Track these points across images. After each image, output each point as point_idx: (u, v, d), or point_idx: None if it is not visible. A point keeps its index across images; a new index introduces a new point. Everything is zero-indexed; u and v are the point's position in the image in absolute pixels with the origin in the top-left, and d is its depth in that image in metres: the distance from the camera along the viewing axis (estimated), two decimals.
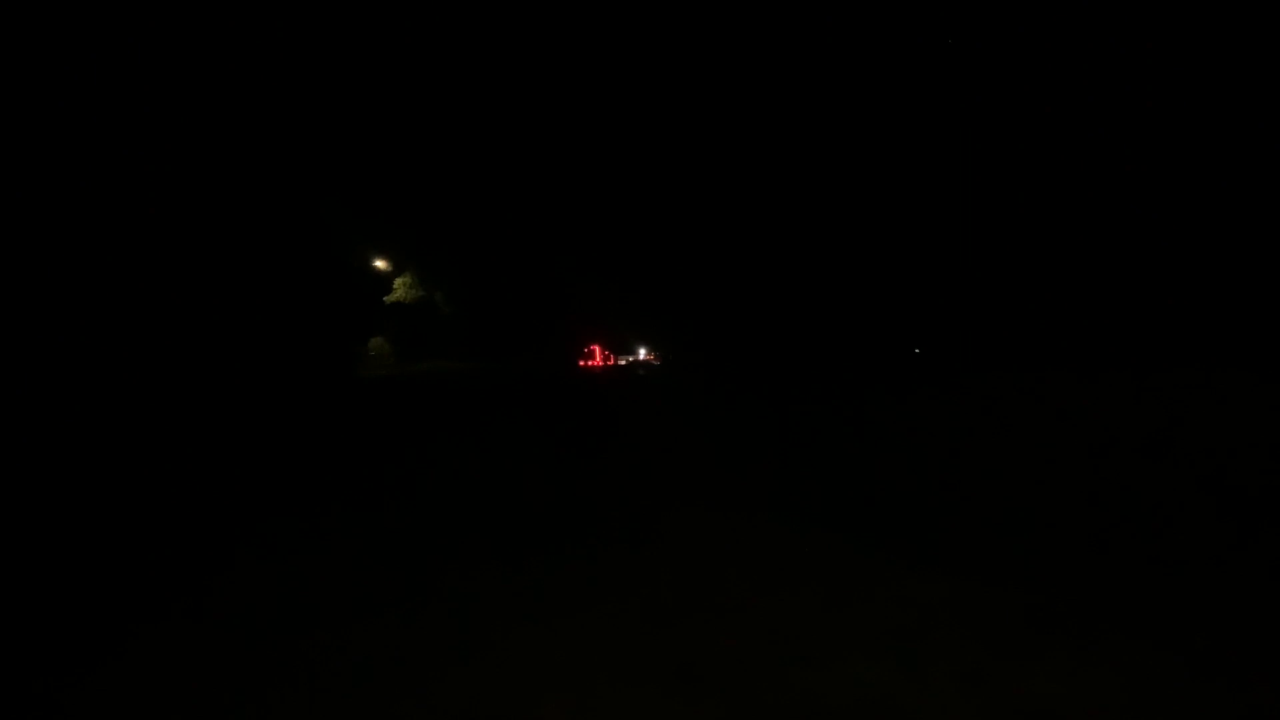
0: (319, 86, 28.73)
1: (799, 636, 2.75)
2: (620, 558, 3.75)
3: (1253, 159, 27.66)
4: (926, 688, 2.35)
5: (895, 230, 35.18)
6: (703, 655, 2.59)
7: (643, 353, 44.96)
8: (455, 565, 3.63)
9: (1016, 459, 6.89)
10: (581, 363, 41.54)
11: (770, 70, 36.18)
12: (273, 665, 2.52)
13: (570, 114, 37.29)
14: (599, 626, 2.84)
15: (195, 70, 22.19)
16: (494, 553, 3.83)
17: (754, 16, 35.32)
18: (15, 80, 17.04)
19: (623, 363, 42.81)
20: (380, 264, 33.55)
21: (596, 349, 42.60)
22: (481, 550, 3.88)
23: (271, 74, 25.29)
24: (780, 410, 12.15)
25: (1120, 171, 29.97)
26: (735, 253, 39.62)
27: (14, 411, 12.08)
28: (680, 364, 43.48)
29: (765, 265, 38.38)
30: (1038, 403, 13.12)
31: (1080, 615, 2.93)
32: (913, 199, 34.48)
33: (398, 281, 33.90)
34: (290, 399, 16.44)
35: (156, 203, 20.46)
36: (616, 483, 5.82)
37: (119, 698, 2.31)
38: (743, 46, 36.89)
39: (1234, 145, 28.05)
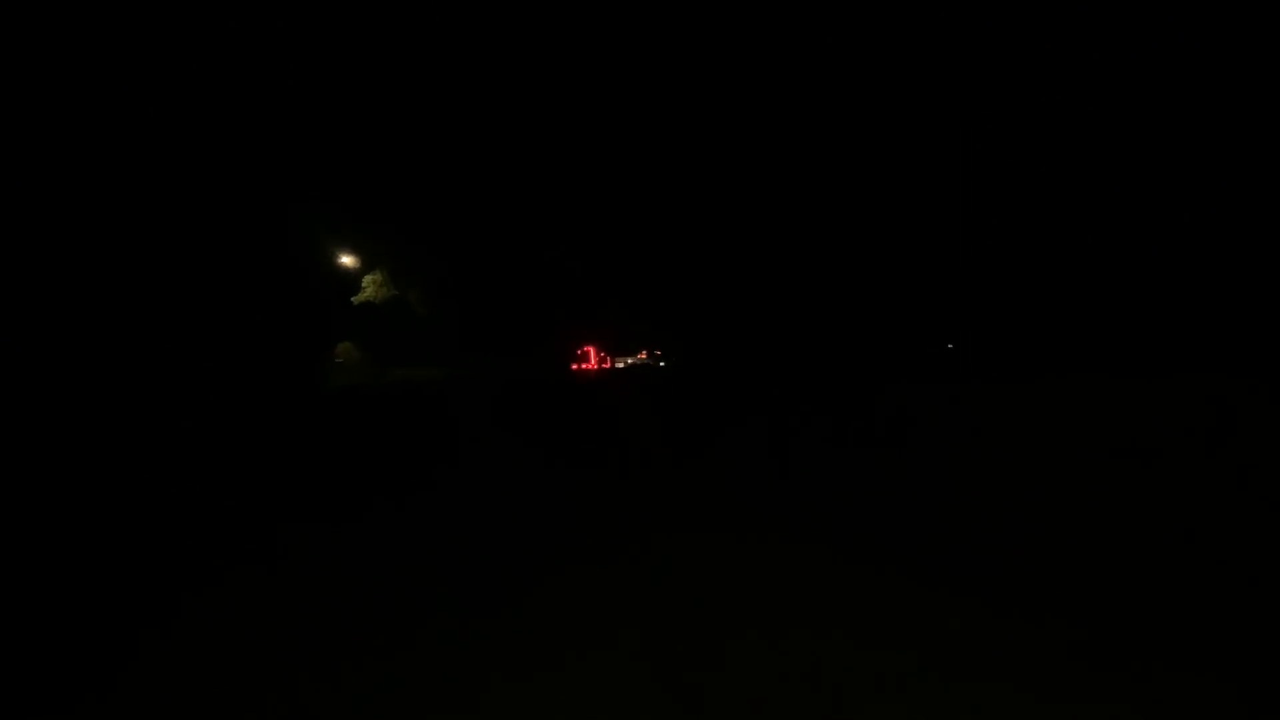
0: (271, 62, 28.20)
1: (827, 680, 2.73)
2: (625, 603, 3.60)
3: None
4: None
5: (925, 221, 35.62)
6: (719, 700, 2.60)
7: (644, 354, 43.77)
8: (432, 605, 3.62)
9: (1056, 470, 6.75)
10: (575, 366, 40.72)
11: (807, 49, 36.51)
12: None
13: (558, 90, 36.49)
14: (601, 684, 2.77)
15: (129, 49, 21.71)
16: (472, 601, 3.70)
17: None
18: None
19: (620, 365, 41.76)
20: (347, 260, 33.00)
21: (591, 350, 41.75)
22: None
23: (213, 47, 24.77)
24: (804, 425, 11.54)
25: (1170, 170, 30.92)
26: (751, 242, 39.01)
27: None
28: (687, 367, 42.85)
29: (785, 255, 37.97)
30: (1090, 408, 12.96)
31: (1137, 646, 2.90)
32: (943, 189, 34.87)
33: (367, 279, 33.46)
34: (242, 416, 16.04)
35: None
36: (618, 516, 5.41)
37: None
38: (764, 29, 37.01)
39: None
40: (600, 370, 40.35)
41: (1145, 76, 30.46)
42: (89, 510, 5.99)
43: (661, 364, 44.73)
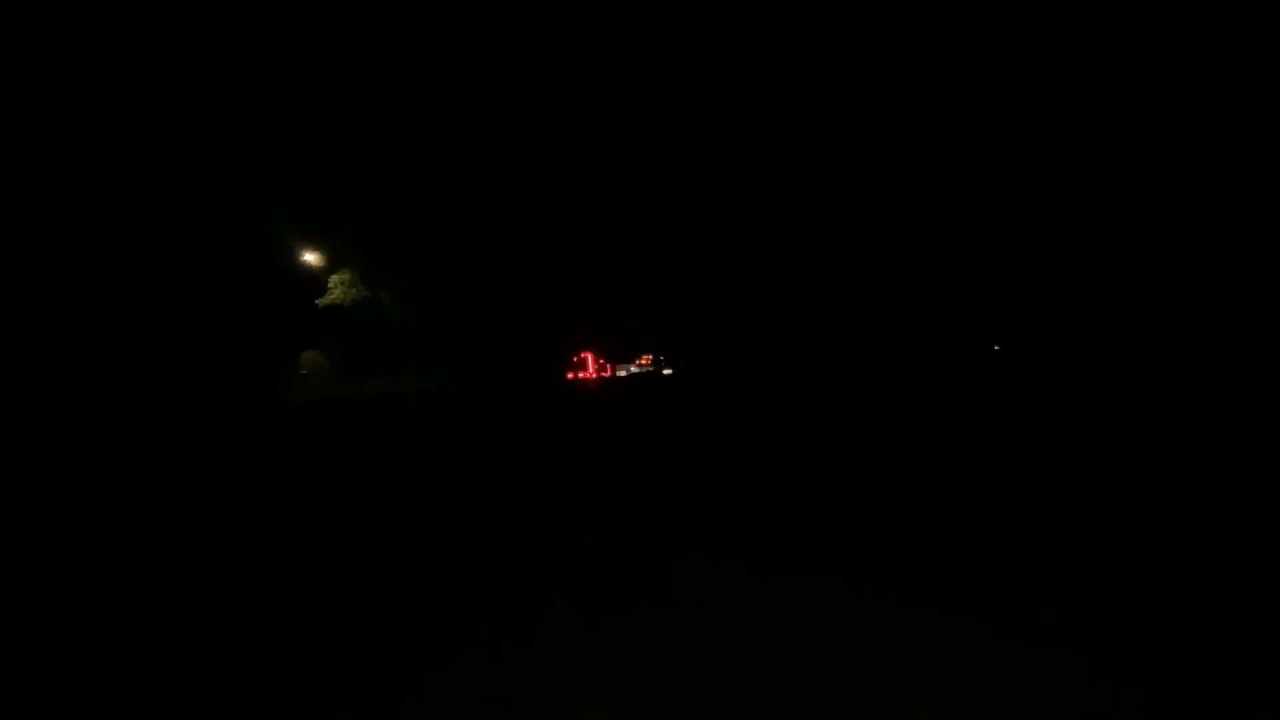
0: (225, 38, 25.29)
1: None
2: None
3: None
4: None
5: (963, 214, 34.25)
6: None
7: (646, 359, 40.89)
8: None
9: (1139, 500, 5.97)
10: (570, 375, 37.69)
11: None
12: None
13: (546, 70, 33.76)
14: None
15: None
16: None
17: None
18: None
19: (622, 374, 38.83)
20: (311, 258, 30.12)
21: (589, 357, 38.67)
22: None
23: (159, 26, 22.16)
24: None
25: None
26: (774, 235, 37.31)
27: None
28: (698, 374, 39.67)
29: (813, 248, 36.41)
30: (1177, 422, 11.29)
31: None
32: (983, 179, 33.55)
33: (334, 279, 30.78)
34: (183, 439, 14.81)
35: None
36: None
37: None
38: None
39: None
40: (600, 379, 37.45)
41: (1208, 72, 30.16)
42: None
43: (666, 371, 41.85)
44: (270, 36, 26.61)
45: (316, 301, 30.43)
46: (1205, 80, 30.29)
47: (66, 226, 19.81)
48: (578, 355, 38.64)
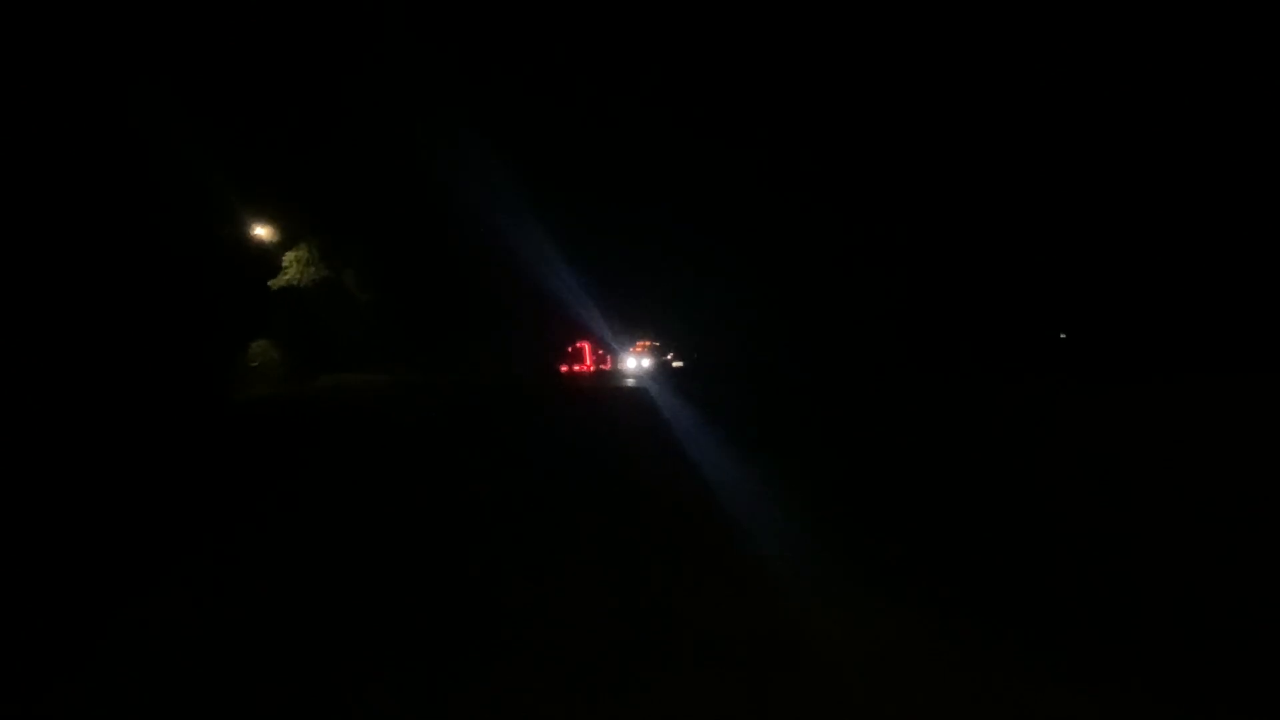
0: None
1: None
2: None
3: None
4: None
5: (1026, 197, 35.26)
6: None
7: (642, 345, 38.80)
8: None
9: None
10: (565, 367, 34.80)
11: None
12: None
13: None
14: None
15: None
16: None
17: None
18: None
19: (630, 366, 36.23)
20: (262, 232, 27.83)
21: (586, 347, 35.78)
22: None
23: None
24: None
25: None
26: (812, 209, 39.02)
27: None
28: (710, 368, 38.30)
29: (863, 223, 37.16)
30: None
31: None
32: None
33: (289, 256, 28.08)
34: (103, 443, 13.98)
35: None
36: None
37: None
38: None
39: None
40: (599, 373, 34.62)
41: None
42: None
43: (677, 364, 39.49)
44: None
45: (269, 283, 27.66)
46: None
47: None
48: (574, 346, 35.84)
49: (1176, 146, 33.03)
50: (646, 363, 36.82)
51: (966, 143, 37.62)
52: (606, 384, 29.88)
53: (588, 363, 36.42)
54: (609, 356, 37.62)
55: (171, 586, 5.24)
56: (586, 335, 36.21)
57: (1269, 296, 31.03)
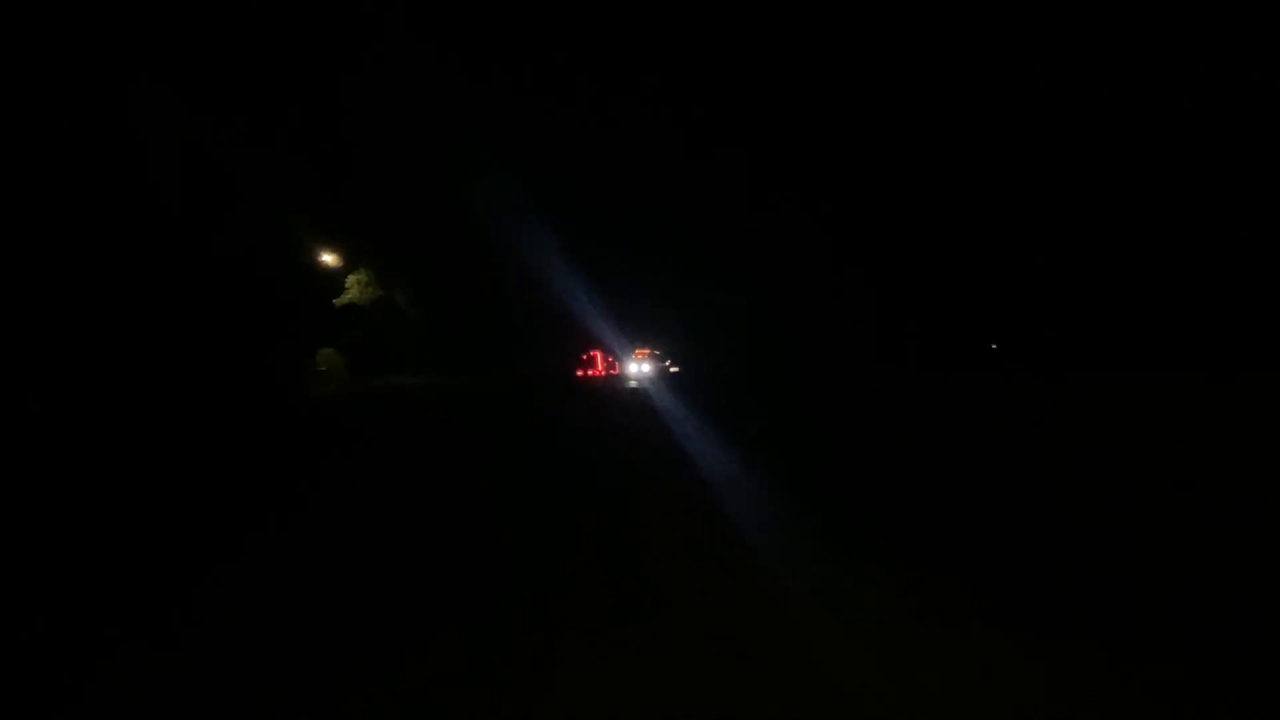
0: (241, 48, 27.65)
1: None
2: None
3: None
4: None
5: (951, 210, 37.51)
6: None
7: (645, 351, 43.11)
8: None
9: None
10: (580, 372, 39.97)
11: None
12: None
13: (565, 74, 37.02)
14: None
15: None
16: None
17: None
18: None
19: (632, 371, 40.56)
20: (329, 258, 32.48)
21: (598, 355, 40.99)
22: None
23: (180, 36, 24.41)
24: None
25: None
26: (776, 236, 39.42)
27: None
28: (704, 372, 42.45)
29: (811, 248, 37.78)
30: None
31: None
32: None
33: (351, 279, 33.11)
34: (215, 429, 16.23)
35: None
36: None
37: None
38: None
39: None
40: (609, 377, 39.57)
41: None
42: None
43: (674, 369, 44.15)
44: (294, 50, 28.95)
45: (334, 301, 32.99)
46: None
47: (117, 239, 21.98)
48: (588, 354, 41.39)
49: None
50: (646, 368, 40.09)
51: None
52: (615, 386, 33.52)
53: (600, 368, 41.01)
54: (617, 363, 41.65)
55: (269, 522, 6.76)
56: (598, 344, 41.09)
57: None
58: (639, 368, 39.85)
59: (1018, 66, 39.24)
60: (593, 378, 38.84)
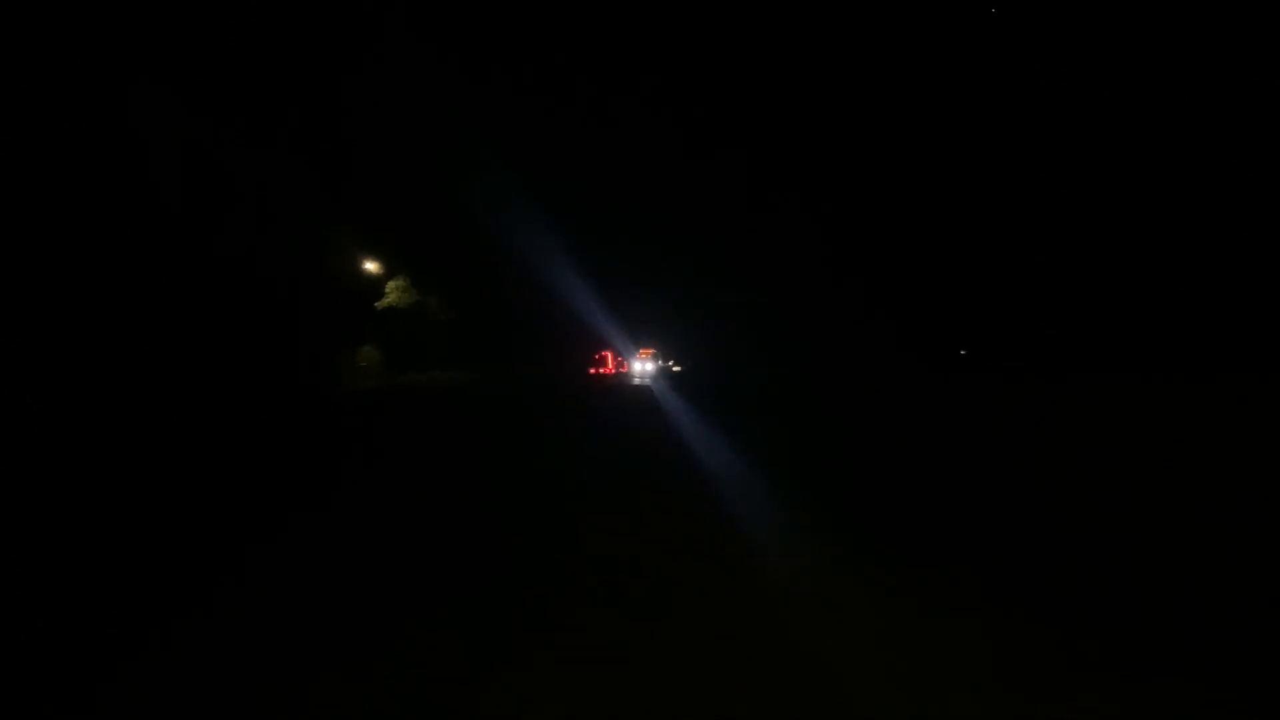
0: (293, 75, 30.52)
1: None
2: None
3: None
4: None
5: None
6: None
7: (650, 351, 45.81)
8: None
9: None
10: (593, 370, 44.03)
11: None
12: None
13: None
14: None
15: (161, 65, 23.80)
16: None
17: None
18: None
19: (636, 369, 43.83)
20: (371, 266, 36.11)
21: (609, 355, 44.95)
22: None
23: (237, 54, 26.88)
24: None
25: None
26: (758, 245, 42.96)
27: None
28: (704, 370, 45.84)
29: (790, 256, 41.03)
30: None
31: None
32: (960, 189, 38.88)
33: (390, 285, 36.57)
34: (266, 416, 18.60)
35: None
36: None
37: None
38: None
39: None
40: (617, 375, 43.44)
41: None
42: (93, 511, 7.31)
43: (676, 368, 47.41)
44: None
45: (375, 304, 36.35)
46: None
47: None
48: (599, 354, 45.19)
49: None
50: (650, 367, 42.80)
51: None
52: (622, 383, 37.18)
53: (609, 367, 44.59)
54: (625, 362, 45.08)
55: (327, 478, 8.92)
56: (607, 345, 44.84)
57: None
58: (643, 366, 42.97)
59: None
60: (604, 375, 42.99)
